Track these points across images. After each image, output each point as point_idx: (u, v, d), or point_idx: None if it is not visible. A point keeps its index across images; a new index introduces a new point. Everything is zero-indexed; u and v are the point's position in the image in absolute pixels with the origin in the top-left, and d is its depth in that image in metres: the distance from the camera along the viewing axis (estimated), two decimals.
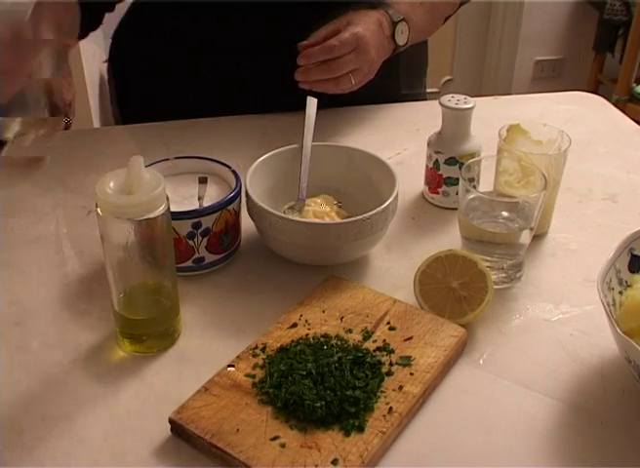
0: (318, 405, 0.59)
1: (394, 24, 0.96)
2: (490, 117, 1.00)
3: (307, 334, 0.68)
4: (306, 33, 0.94)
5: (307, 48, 0.92)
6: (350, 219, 0.74)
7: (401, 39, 0.98)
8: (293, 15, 0.95)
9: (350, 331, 0.69)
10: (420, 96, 1.23)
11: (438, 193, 0.90)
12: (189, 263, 0.76)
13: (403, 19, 0.97)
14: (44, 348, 0.69)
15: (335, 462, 0.56)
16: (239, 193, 0.77)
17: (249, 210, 0.79)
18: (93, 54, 1.84)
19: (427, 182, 0.91)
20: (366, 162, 0.85)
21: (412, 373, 0.64)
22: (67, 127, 1.45)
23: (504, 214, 0.76)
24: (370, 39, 0.92)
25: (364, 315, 0.70)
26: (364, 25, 0.93)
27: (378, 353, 0.66)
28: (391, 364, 0.65)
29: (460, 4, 1.12)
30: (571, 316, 0.74)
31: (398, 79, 1.15)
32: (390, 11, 0.96)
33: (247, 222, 0.79)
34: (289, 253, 0.79)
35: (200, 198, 0.78)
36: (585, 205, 0.92)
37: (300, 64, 0.92)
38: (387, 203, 0.75)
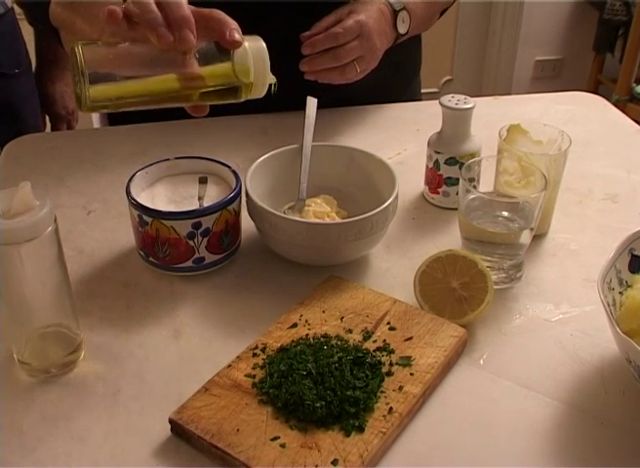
0: (318, 405, 0.59)
1: (396, 13, 0.97)
2: (490, 117, 1.00)
3: (307, 335, 0.68)
4: (310, 28, 0.94)
5: (310, 37, 0.92)
6: (350, 219, 0.74)
7: (402, 28, 0.98)
8: (294, 15, 0.95)
9: (350, 331, 0.69)
10: (414, 96, 1.23)
11: (438, 193, 0.90)
12: (189, 263, 0.76)
13: (404, 8, 0.97)
14: None
15: (335, 462, 0.56)
16: (239, 193, 0.77)
17: (249, 210, 0.79)
18: None
19: (427, 182, 0.91)
20: (366, 162, 0.85)
21: (412, 374, 0.64)
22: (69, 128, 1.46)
23: (505, 214, 0.76)
24: (373, 26, 0.93)
25: (364, 315, 0.70)
26: (366, 13, 0.93)
27: (378, 353, 0.66)
28: (391, 364, 0.65)
29: (454, 1, 1.13)
30: (571, 316, 0.74)
31: (392, 79, 1.15)
32: None
33: (247, 222, 0.80)
34: (289, 253, 0.79)
35: (200, 198, 0.78)
36: (585, 205, 0.92)
37: (305, 54, 0.92)
38: (387, 203, 0.75)
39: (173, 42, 0.63)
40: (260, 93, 0.71)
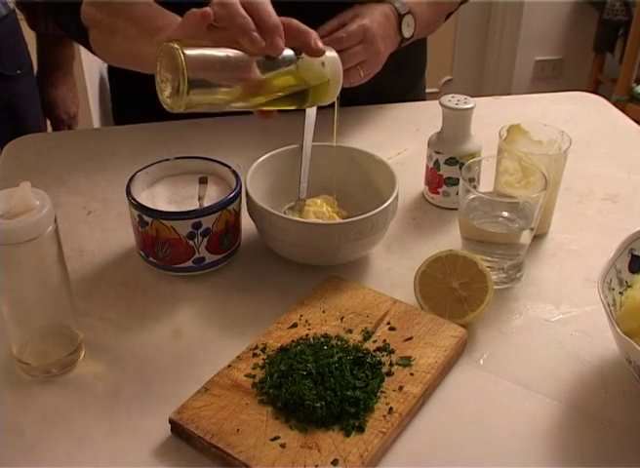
0: (318, 405, 0.59)
1: (401, 17, 0.97)
2: (490, 117, 1.00)
3: (307, 335, 0.68)
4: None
5: None
6: (351, 219, 0.74)
7: (407, 32, 0.98)
8: (298, 14, 0.95)
9: (350, 331, 0.69)
10: (419, 96, 1.23)
11: (438, 193, 0.90)
12: (189, 263, 0.76)
13: (409, 12, 0.97)
14: None
15: (335, 462, 0.56)
16: (239, 193, 0.77)
17: (249, 210, 0.79)
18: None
19: (428, 182, 0.91)
20: (366, 162, 0.85)
21: (412, 374, 0.64)
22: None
23: (505, 214, 0.76)
24: (377, 31, 0.92)
25: (364, 315, 0.70)
26: (371, 17, 0.93)
27: (378, 353, 0.66)
28: (391, 364, 0.65)
29: (461, 3, 1.12)
30: (571, 316, 0.74)
31: (398, 79, 1.15)
32: (397, 4, 0.97)
33: (247, 222, 0.80)
34: (289, 253, 0.79)
35: (200, 198, 0.78)
36: (585, 205, 0.92)
37: None
38: (388, 203, 0.75)
39: (263, 47, 0.65)
40: (330, 99, 0.73)
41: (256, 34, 0.64)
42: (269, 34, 0.65)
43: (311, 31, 0.69)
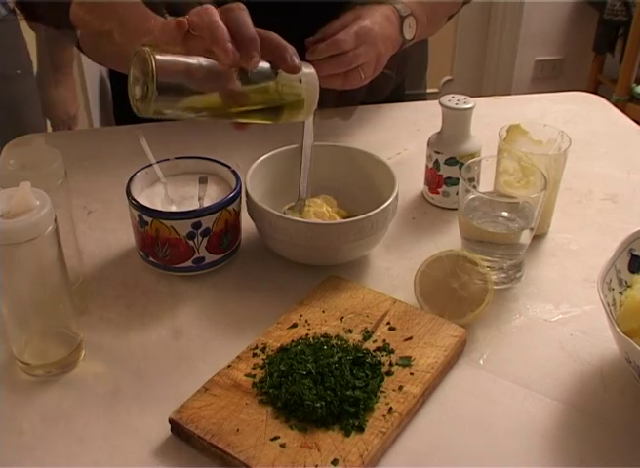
0: (318, 405, 0.59)
1: (402, 19, 0.97)
2: (490, 117, 1.00)
3: (307, 334, 0.68)
4: (315, 33, 0.94)
5: (315, 43, 0.92)
6: (351, 219, 0.74)
7: (409, 33, 0.98)
8: (300, 14, 0.95)
9: (350, 331, 0.69)
10: (420, 96, 1.24)
11: (438, 193, 0.90)
12: (189, 263, 0.76)
13: (411, 14, 0.97)
14: None
15: (335, 462, 0.56)
16: (239, 193, 0.77)
17: (249, 210, 0.79)
18: None
19: (427, 182, 0.91)
20: (366, 162, 0.85)
21: (412, 374, 0.64)
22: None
23: (505, 214, 0.76)
24: (378, 33, 0.92)
25: (364, 315, 0.70)
26: (372, 19, 0.93)
27: (378, 353, 0.66)
28: (391, 364, 0.65)
29: (463, 3, 1.12)
30: (571, 316, 0.74)
31: (398, 79, 1.15)
32: (398, 5, 0.97)
33: (247, 222, 0.80)
34: (289, 253, 0.79)
35: (200, 198, 0.78)
36: (585, 205, 0.92)
37: (309, 60, 0.92)
38: (387, 203, 0.75)
39: (237, 59, 0.63)
40: (306, 116, 0.73)
41: (230, 45, 0.63)
42: (245, 47, 0.64)
43: (289, 46, 0.67)
